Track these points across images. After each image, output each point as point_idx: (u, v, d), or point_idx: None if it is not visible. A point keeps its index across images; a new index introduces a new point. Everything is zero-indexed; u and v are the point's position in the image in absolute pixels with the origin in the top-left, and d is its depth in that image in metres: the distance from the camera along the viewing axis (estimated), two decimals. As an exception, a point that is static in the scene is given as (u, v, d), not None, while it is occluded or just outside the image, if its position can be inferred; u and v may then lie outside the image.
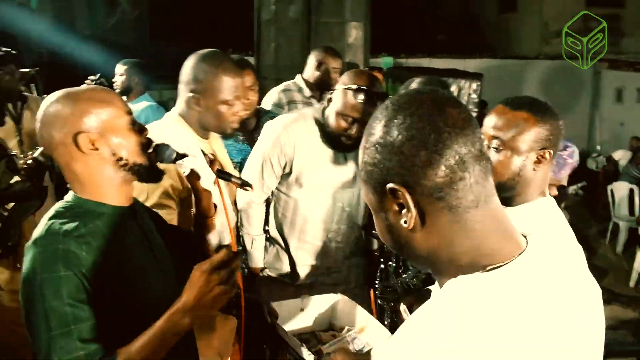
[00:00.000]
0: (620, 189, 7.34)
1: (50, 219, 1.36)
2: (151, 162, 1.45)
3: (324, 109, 2.35)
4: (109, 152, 1.38)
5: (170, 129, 2.01)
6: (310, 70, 3.59)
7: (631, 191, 7.21)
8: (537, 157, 1.50)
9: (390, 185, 0.83)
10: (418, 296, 1.93)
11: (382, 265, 2.42)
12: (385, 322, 2.31)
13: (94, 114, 1.36)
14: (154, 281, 1.46)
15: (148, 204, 1.85)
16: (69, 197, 1.42)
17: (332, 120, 2.25)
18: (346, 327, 2.05)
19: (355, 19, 5.72)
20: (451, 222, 0.82)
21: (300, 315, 2.10)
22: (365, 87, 2.19)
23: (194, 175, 1.63)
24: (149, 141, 1.46)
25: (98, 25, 15.30)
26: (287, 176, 2.37)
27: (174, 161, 1.58)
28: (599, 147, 12.13)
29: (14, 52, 3.53)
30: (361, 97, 2.18)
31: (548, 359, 0.77)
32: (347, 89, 2.21)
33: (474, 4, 19.74)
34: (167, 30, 20.13)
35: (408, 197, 0.82)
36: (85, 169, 1.38)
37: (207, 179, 1.63)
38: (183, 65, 2.03)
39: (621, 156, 9.76)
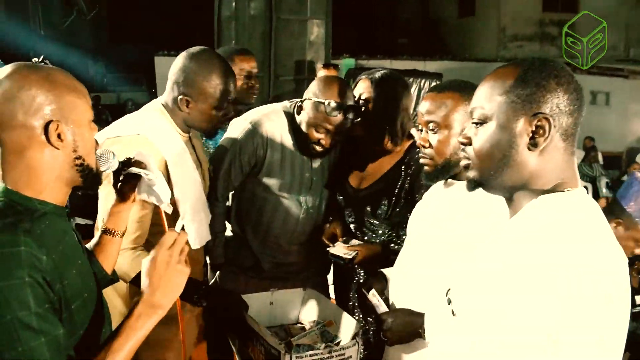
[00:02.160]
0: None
1: None
2: (97, 167, 1.31)
3: (295, 107, 2.29)
4: (71, 148, 1.23)
5: (149, 118, 1.95)
6: None
7: (584, 189, 7.42)
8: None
9: (540, 115, 1.04)
10: (375, 279, 1.93)
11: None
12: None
13: (68, 102, 1.21)
14: (92, 285, 1.34)
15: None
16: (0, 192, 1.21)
17: (304, 128, 2.22)
18: (315, 320, 2.03)
19: (317, 16, 5.72)
20: (565, 150, 1.07)
21: (270, 309, 2.07)
22: (337, 101, 2.15)
23: (126, 187, 1.48)
24: (96, 142, 1.32)
25: (54, 25, 14.92)
26: (255, 175, 2.33)
27: (117, 170, 1.45)
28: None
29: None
30: (334, 112, 2.14)
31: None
32: (319, 102, 2.18)
33: (433, 8, 20.06)
34: (125, 31, 19.84)
35: (549, 126, 1.04)
36: (39, 160, 1.21)
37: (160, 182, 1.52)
38: (175, 62, 1.97)
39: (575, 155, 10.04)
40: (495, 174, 1.09)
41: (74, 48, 14.57)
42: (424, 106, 1.69)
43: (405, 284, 1.75)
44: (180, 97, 1.92)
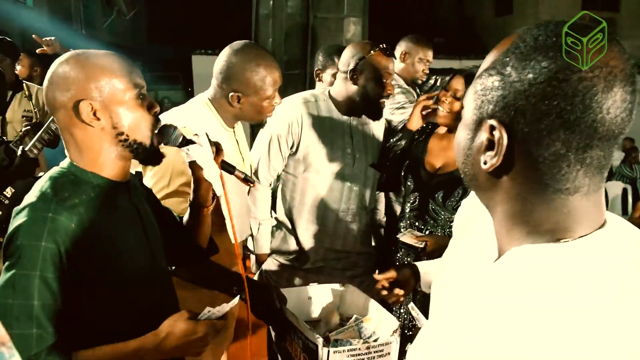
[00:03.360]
0: (613, 189, 7.39)
1: (44, 184, 1.27)
2: (152, 143, 1.36)
3: (349, 75, 2.35)
4: (110, 125, 1.29)
5: (195, 111, 1.98)
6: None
7: (624, 190, 7.27)
8: None
9: None
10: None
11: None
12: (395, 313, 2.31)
13: (101, 82, 1.27)
14: (143, 262, 1.38)
15: (168, 189, 1.82)
16: (64, 163, 1.34)
17: (370, 88, 2.30)
18: (354, 316, 2.04)
19: (354, 14, 5.71)
20: None
21: (308, 303, 2.07)
22: (383, 44, 2.31)
23: (196, 163, 1.54)
24: (157, 120, 1.37)
25: (94, 25, 15.27)
26: (295, 156, 2.36)
27: (179, 145, 1.48)
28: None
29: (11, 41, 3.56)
30: (388, 51, 2.29)
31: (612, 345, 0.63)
32: (375, 54, 2.30)
33: (470, 6, 19.82)
34: (163, 30, 20.15)
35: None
36: (84, 137, 1.30)
37: (212, 170, 1.59)
38: (218, 59, 2.00)
39: (615, 157, 9.85)
40: None
41: (113, 47, 14.86)
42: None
43: (444, 290, 1.74)
44: (232, 94, 1.95)
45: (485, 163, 0.72)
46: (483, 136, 0.72)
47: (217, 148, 1.54)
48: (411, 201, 2.33)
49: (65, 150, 1.34)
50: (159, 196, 1.72)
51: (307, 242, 2.40)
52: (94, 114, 1.27)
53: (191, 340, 1.28)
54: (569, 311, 0.64)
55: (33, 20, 11.66)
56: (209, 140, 1.52)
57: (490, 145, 0.71)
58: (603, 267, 0.66)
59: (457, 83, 2.25)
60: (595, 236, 0.69)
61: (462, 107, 1.97)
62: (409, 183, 2.34)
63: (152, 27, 20.92)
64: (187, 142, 1.49)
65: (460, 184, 2.24)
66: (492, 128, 0.70)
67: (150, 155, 1.38)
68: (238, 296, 1.44)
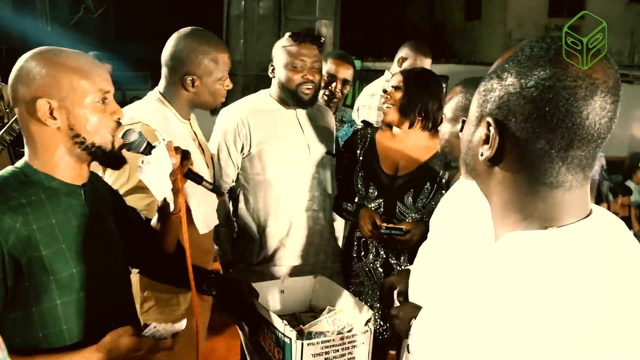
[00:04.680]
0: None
1: None
2: (113, 147, 1.35)
3: (270, 73, 2.39)
4: (66, 126, 1.27)
5: (149, 107, 1.98)
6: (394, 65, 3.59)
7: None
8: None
9: None
10: (399, 277, 1.96)
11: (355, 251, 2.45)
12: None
13: (63, 81, 1.25)
14: (93, 266, 1.34)
15: (128, 185, 1.81)
16: (20, 162, 1.32)
17: (284, 79, 2.31)
18: (327, 308, 2.04)
19: (325, 16, 5.74)
20: None
21: (280, 297, 2.07)
22: (294, 32, 2.32)
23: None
24: (118, 125, 1.36)
25: (61, 22, 14.96)
26: (250, 156, 2.35)
27: (143, 152, 1.47)
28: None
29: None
30: (297, 39, 2.29)
31: (599, 329, 0.72)
32: (282, 44, 2.32)
33: (440, 11, 20.05)
34: (132, 29, 19.87)
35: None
36: (40, 135, 1.28)
37: (162, 187, 1.54)
38: (166, 47, 2.00)
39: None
40: None
41: (80, 45, 14.58)
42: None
43: (423, 281, 1.76)
44: (185, 77, 1.96)
45: (481, 155, 0.83)
46: (481, 131, 0.83)
47: (184, 157, 1.52)
48: (374, 207, 2.35)
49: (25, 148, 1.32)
50: (120, 192, 1.70)
51: (274, 242, 2.38)
52: (51, 113, 1.26)
53: (133, 356, 1.29)
54: (555, 290, 0.72)
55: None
56: (177, 148, 1.50)
57: (487, 139, 0.82)
58: (585, 251, 0.76)
59: (394, 79, 2.37)
60: (579, 225, 0.79)
61: (403, 96, 2.25)
62: (370, 191, 2.35)
63: (121, 25, 20.59)
64: (150, 149, 1.47)
65: (426, 181, 2.28)
66: (488, 124, 0.81)
67: (110, 159, 1.37)
68: (185, 320, 1.42)
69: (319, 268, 2.41)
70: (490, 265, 0.80)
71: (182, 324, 1.39)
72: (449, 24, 19.29)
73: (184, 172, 1.55)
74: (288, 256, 2.39)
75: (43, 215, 1.25)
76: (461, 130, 1.62)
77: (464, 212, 1.62)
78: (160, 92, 2.02)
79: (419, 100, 2.30)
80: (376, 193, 2.34)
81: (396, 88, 2.32)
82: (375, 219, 2.26)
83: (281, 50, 2.31)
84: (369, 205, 2.35)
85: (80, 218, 1.34)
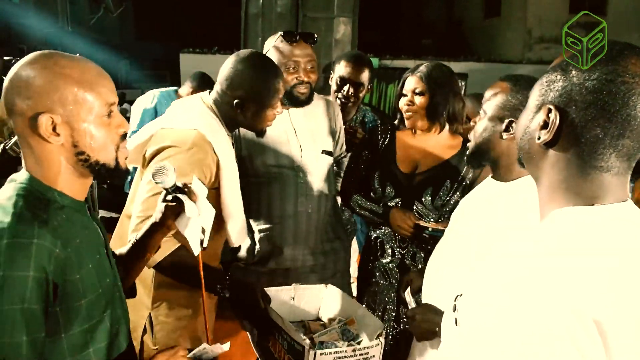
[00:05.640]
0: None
1: (13, 201, 1.13)
2: (117, 164, 1.26)
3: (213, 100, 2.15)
4: (70, 143, 1.18)
5: (205, 115, 1.95)
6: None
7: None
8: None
9: None
10: (417, 274, 1.93)
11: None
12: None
13: (67, 94, 1.15)
14: (108, 281, 1.29)
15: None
16: (23, 177, 1.20)
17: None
18: (337, 318, 2.02)
19: (344, 14, 5.71)
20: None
21: (290, 304, 2.05)
22: (286, 31, 2.25)
23: (172, 210, 1.45)
24: (123, 138, 1.27)
25: (81, 22, 15.14)
26: (241, 160, 2.25)
27: (169, 190, 1.43)
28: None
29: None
30: (290, 39, 2.23)
31: None
32: (274, 45, 2.25)
33: (459, 9, 19.92)
34: (152, 28, 20.03)
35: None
36: (41, 150, 1.18)
37: (195, 229, 1.47)
38: (224, 65, 1.99)
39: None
40: None
41: (100, 44, 14.78)
42: None
43: (437, 280, 1.74)
44: (236, 101, 1.94)
45: (539, 138, 0.91)
46: (540, 117, 0.92)
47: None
48: (392, 199, 2.30)
49: (23, 160, 1.22)
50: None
51: (270, 243, 2.35)
52: (54, 129, 1.15)
53: None
54: (607, 258, 0.82)
55: (19, 17, 11.54)
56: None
57: (545, 125, 0.90)
58: (631, 226, 0.87)
59: (412, 82, 2.27)
60: (620, 205, 0.89)
61: (427, 101, 2.18)
62: (387, 190, 2.32)
63: (140, 24, 20.78)
64: (177, 189, 1.44)
65: (446, 178, 2.23)
66: (549, 111, 0.89)
67: (113, 177, 1.28)
68: (228, 343, 1.43)
69: (319, 269, 2.39)
70: (541, 238, 0.88)
71: (226, 346, 1.43)
72: (468, 21, 19.14)
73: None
74: (285, 257, 2.36)
75: (71, 235, 1.17)
76: (505, 130, 1.57)
77: (490, 211, 1.59)
78: (212, 101, 2.00)
79: (446, 103, 2.24)
80: (393, 193, 2.31)
81: (418, 93, 2.25)
82: (413, 219, 2.22)
83: (273, 50, 2.26)
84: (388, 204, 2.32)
85: (93, 235, 1.28)
